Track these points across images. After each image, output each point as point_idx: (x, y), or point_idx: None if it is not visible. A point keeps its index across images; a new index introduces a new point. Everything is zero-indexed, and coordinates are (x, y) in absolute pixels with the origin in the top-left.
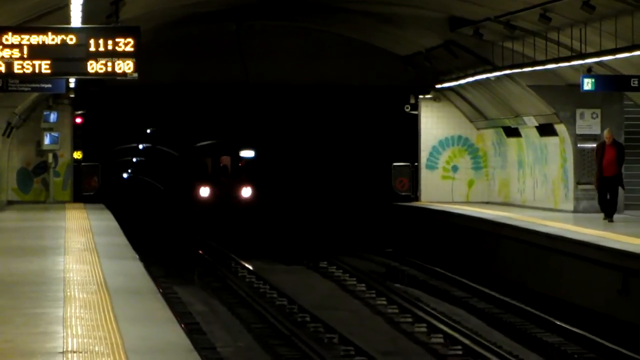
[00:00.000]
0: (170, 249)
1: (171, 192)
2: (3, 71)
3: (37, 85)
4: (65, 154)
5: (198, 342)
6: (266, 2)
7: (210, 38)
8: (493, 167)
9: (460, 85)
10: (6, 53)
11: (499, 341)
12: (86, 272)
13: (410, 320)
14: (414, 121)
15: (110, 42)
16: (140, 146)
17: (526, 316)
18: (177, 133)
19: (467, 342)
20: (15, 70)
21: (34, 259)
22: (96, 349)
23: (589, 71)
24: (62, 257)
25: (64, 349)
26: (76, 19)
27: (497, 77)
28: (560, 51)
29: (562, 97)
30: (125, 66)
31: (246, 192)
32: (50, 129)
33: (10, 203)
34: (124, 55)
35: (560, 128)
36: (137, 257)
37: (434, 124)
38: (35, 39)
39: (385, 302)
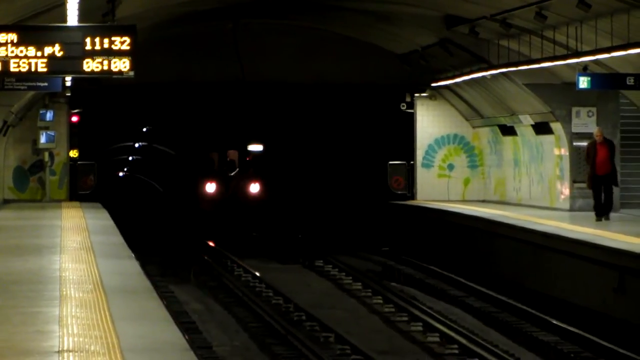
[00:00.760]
0: (167, 247)
1: (172, 189)
2: None
3: (33, 84)
4: (61, 153)
5: (194, 341)
6: (262, 0)
7: (207, 36)
8: (489, 165)
9: (456, 83)
10: (2, 51)
11: (495, 340)
12: (82, 271)
13: (406, 319)
14: (410, 119)
15: (106, 40)
16: (137, 145)
17: (522, 315)
18: (179, 129)
19: (463, 341)
20: (12, 69)
21: (30, 258)
22: (92, 348)
23: (584, 69)
24: (58, 256)
25: (60, 348)
26: (72, 18)
27: (493, 76)
28: (556, 49)
29: (558, 95)
30: (122, 65)
31: (254, 187)
32: (47, 128)
33: (6, 202)
34: (120, 53)
35: (556, 126)
36: (133, 256)
37: (430, 122)
38: (32, 38)
39: (381, 301)
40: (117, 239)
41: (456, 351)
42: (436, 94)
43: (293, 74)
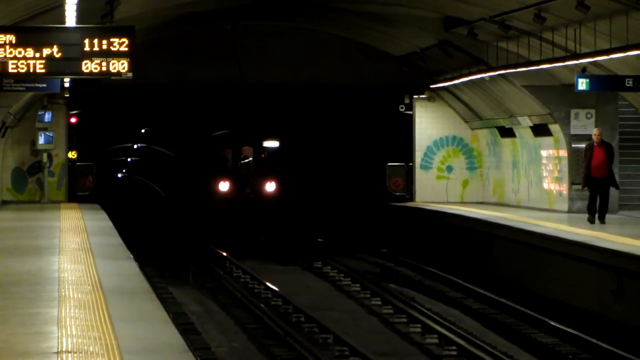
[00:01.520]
0: (166, 249)
1: (176, 189)
2: None
3: (32, 85)
4: (59, 154)
5: (193, 343)
6: (261, 2)
7: (205, 38)
8: (487, 167)
9: (454, 85)
10: (0, 52)
11: (494, 342)
12: (81, 272)
13: (405, 320)
14: (409, 121)
15: (105, 41)
16: (135, 146)
17: (521, 317)
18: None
19: (462, 342)
20: (10, 70)
21: (28, 259)
22: (91, 349)
23: (583, 71)
24: (57, 257)
25: (59, 349)
26: (71, 19)
27: (492, 77)
28: (555, 51)
29: (557, 97)
30: (120, 66)
31: (270, 186)
32: (45, 129)
33: (4, 203)
34: (118, 55)
35: (555, 128)
36: (132, 257)
37: (429, 124)
38: (30, 39)
39: (380, 303)
40: (116, 240)
41: (455, 353)
42: (435, 96)
43: (291, 75)
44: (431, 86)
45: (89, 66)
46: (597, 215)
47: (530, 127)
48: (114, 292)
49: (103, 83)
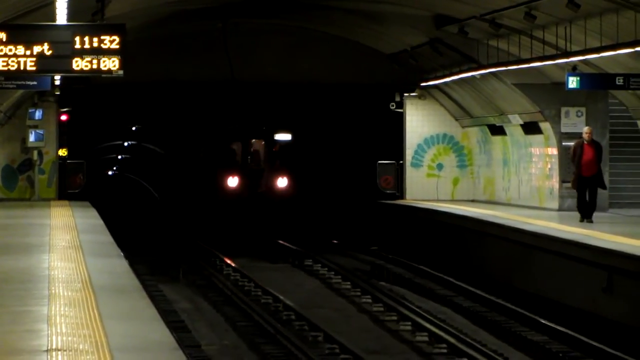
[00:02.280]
0: (157, 246)
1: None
2: None
3: (22, 83)
4: (50, 152)
5: (183, 340)
6: (251, 0)
7: (196, 35)
8: (478, 165)
9: (445, 83)
10: None
11: (484, 339)
12: (71, 269)
13: (395, 318)
14: (399, 119)
15: (95, 39)
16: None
17: (511, 314)
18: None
19: (452, 340)
20: (0, 67)
21: (19, 257)
22: (81, 347)
23: (573, 69)
24: (47, 255)
25: (49, 347)
26: (62, 16)
27: (482, 75)
28: (545, 49)
29: (547, 95)
30: (111, 64)
31: (282, 182)
32: (36, 127)
33: None
34: (109, 52)
35: (545, 126)
36: (122, 254)
37: (419, 122)
38: (21, 36)
39: (370, 301)
40: (106, 237)
41: (445, 350)
42: (425, 94)
43: (282, 73)
44: (422, 84)
45: (79, 64)
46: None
47: (521, 125)
48: (104, 289)
49: (94, 81)
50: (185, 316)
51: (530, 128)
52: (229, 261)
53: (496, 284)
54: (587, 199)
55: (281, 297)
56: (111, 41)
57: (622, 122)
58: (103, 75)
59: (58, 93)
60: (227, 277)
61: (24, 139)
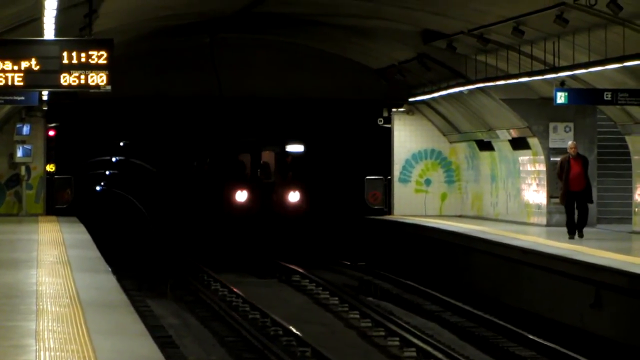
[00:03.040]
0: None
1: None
2: None
3: (10, 98)
4: (38, 167)
5: (171, 356)
6: (239, 15)
7: (184, 51)
8: (466, 180)
9: (433, 98)
10: None
11: (472, 355)
12: (59, 285)
13: (383, 334)
14: (387, 134)
15: (83, 54)
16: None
17: (499, 330)
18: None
19: (440, 355)
20: None
21: (6, 272)
22: None
23: (562, 85)
24: (35, 270)
25: None
26: (49, 32)
27: (470, 91)
28: (534, 64)
29: (535, 110)
30: (99, 79)
31: (294, 196)
32: (23, 142)
33: None
34: (97, 67)
35: (533, 141)
36: (110, 270)
37: (407, 137)
38: (8, 51)
39: (358, 316)
40: (94, 253)
41: None
42: (413, 109)
43: (270, 88)
44: (410, 99)
45: (67, 79)
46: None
47: (509, 140)
48: (92, 305)
49: (81, 96)
50: (172, 331)
51: (519, 143)
52: (216, 276)
53: (484, 300)
54: (577, 214)
55: (269, 313)
56: (99, 56)
57: (611, 138)
58: (91, 91)
59: (46, 108)
60: (214, 292)
61: (12, 154)
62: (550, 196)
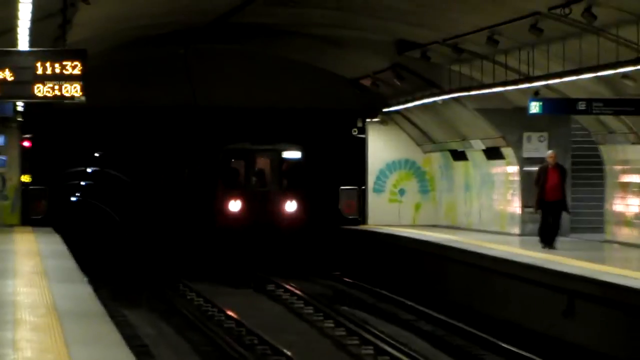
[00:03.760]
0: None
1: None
2: None
3: None
4: (13, 178)
5: None
6: (213, 25)
7: (159, 61)
8: (440, 190)
9: (407, 108)
10: None
11: None
12: (36, 295)
13: (357, 342)
14: (362, 144)
15: (57, 65)
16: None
17: (472, 338)
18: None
19: None
20: None
21: None
22: None
23: (536, 94)
24: (12, 281)
25: None
26: (24, 42)
27: (445, 101)
28: (508, 74)
29: (510, 120)
30: (73, 89)
31: (291, 206)
32: None
33: None
34: (71, 78)
35: (507, 151)
36: (86, 280)
37: (381, 147)
38: None
39: (332, 325)
40: (70, 263)
41: None
42: (388, 119)
43: (244, 98)
44: (384, 109)
45: (41, 90)
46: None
47: (483, 150)
48: (69, 314)
49: (56, 106)
50: (148, 341)
51: (492, 153)
52: (191, 285)
53: (457, 308)
54: (551, 224)
55: (244, 322)
56: (73, 67)
57: (585, 147)
58: (65, 102)
59: (20, 119)
60: (190, 302)
61: None
62: (524, 206)
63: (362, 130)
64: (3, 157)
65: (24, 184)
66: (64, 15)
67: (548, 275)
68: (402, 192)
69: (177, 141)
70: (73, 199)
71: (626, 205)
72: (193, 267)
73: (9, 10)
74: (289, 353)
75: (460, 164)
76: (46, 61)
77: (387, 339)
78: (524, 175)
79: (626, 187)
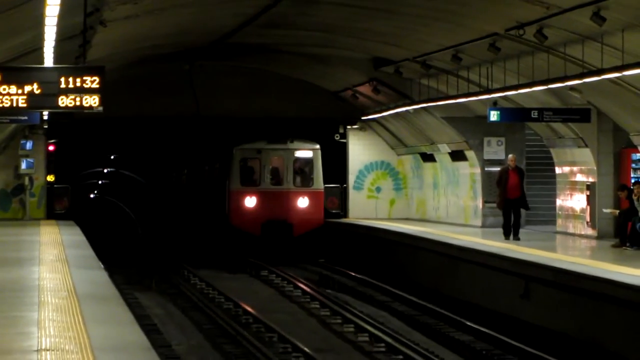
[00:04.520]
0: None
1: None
2: None
3: (15, 118)
4: (39, 177)
5: (155, 341)
6: (215, 45)
7: (166, 76)
8: (412, 188)
9: (383, 117)
10: None
11: (418, 340)
12: (58, 280)
13: (340, 321)
14: (343, 148)
15: (78, 79)
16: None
17: (441, 318)
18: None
19: (389, 340)
20: None
21: (12, 269)
22: (67, 347)
23: (494, 104)
24: (37, 267)
25: (39, 347)
26: (49, 60)
27: (415, 110)
28: (470, 87)
29: (472, 127)
30: (92, 101)
31: (303, 202)
32: (27, 156)
33: None
34: (90, 91)
35: (470, 154)
36: (103, 266)
37: (360, 150)
38: (13, 77)
39: (318, 306)
40: (89, 252)
41: (383, 349)
42: (366, 126)
43: (242, 109)
44: (362, 118)
45: (64, 101)
46: (512, 233)
47: (449, 153)
48: (87, 297)
49: (77, 116)
50: (157, 320)
51: (457, 155)
52: (195, 272)
53: (427, 291)
54: (512, 219)
55: (241, 303)
56: (92, 81)
57: (537, 150)
58: (85, 111)
59: (46, 126)
60: (193, 285)
61: (17, 167)
62: (485, 201)
63: (344, 135)
64: (31, 160)
65: (48, 183)
66: (84, 37)
67: (507, 262)
68: (378, 189)
69: (183, 146)
70: (91, 196)
71: (574, 201)
72: (197, 256)
73: (37, 32)
74: (280, 330)
75: (429, 165)
76: (69, 76)
77: (366, 318)
78: (485, 174)
79: (574, 185)
